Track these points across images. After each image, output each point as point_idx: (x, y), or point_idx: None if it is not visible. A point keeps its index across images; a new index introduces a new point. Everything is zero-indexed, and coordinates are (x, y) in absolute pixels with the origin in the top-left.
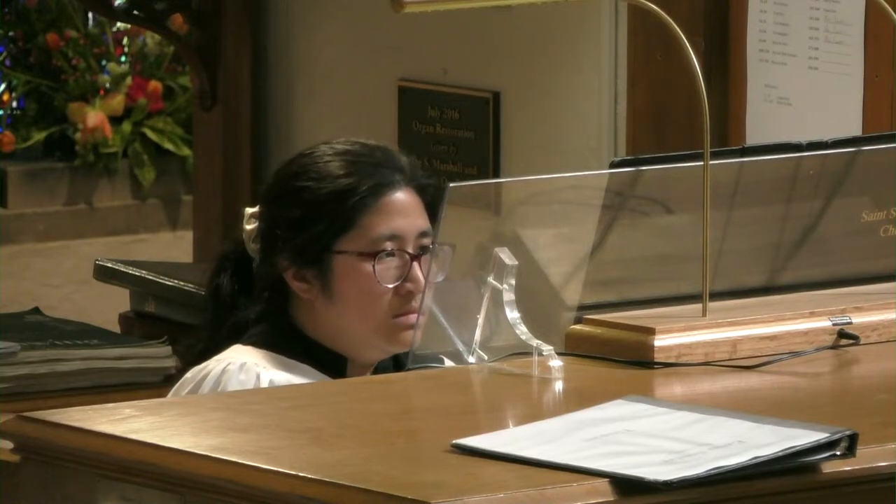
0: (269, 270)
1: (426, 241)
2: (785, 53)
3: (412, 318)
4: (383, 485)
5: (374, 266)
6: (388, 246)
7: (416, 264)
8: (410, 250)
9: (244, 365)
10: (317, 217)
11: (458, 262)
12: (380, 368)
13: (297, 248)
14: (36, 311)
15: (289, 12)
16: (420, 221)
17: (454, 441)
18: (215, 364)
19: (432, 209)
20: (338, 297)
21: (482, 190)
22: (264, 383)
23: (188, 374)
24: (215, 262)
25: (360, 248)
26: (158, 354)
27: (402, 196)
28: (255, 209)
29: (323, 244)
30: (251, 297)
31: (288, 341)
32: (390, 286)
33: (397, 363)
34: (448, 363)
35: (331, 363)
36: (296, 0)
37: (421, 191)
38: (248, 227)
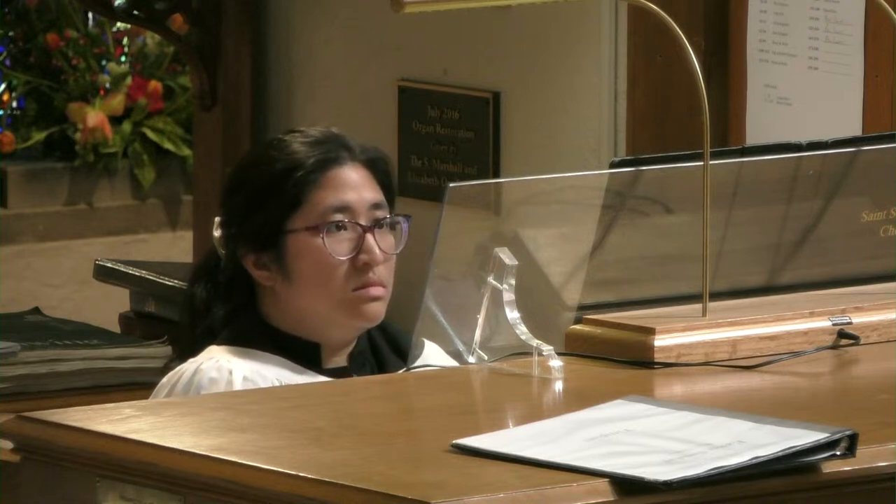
0: (232, 264)
1: (380, 213)
2: (785, 53)
3: (372, 290)
4: (383, 485)
5: (323, 238)
6: (338, 217)
7: (369, 235)
8: (363, 222)
9: (216, 363)
10: (266, 199)
11: (458, 262)
12: (356, 354)
13: (251, 233)
14: (36, 311)
15: (289, 12)
16: (370, 194)
17: (454, 441)
18: (188, 365)
19: (386, 184)
20: (295, 277)
21: (482, 190)
22: (237, 379)
23: (164, 379)
24: (191, 273)
25: (310, 223)
26: (158, 354)
27: (349, 169)
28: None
29: (274, 225)
30: (222, 299)
31: (258, 335)
32: (343, 258)
33: (374, 347)
34: (429, 345)
35: (303, 352)
36: (296, 0)
37: (371, 165)
38: (217, 233)
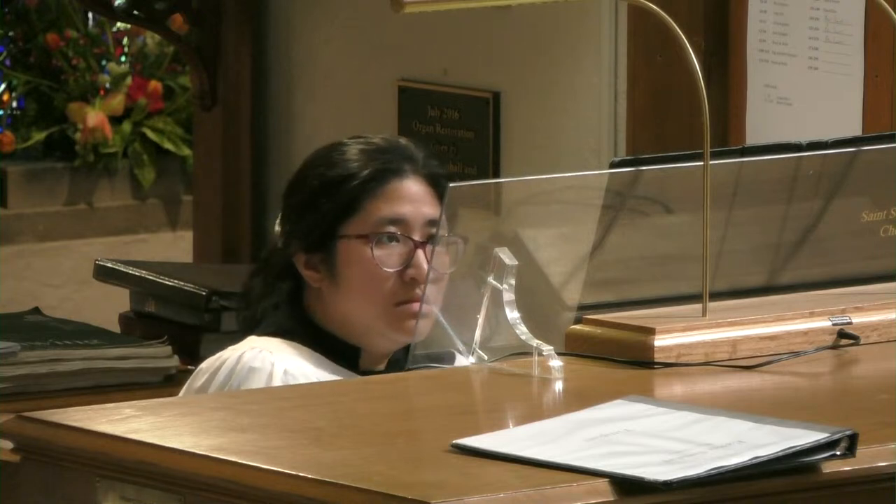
0: (283, 258)
1: (435, 229)
2: (785, 53)
3: (415, 306)
4: (383, 485)
5: (372, 249)
6: (391, 230)
7: (420, 251)
8: (416, 237)
9: (259, 353)
10: (322, 200)
11: (457, 261)
12: (392, 361)
13: (304, 232)
14: (36, 311)
15: (289, 12)
16: (428, 210)
17: (454, 441)
18: (230, 353)
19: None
20: (342, 282)
21: (482, 190)
22: (278, 372)
23: (203, 365)
24: (255, 265)
25: (362, 232)
26: (158, 354)
27: (409, 183)
28: None
29: (327, 228)
30: (269, 292)
31: (301, 329)
32: (391, 271)
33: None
34: (460, 359)
35: (343, 354)
36: (296, 0)
37: (433, 181)
38: (278, 228)
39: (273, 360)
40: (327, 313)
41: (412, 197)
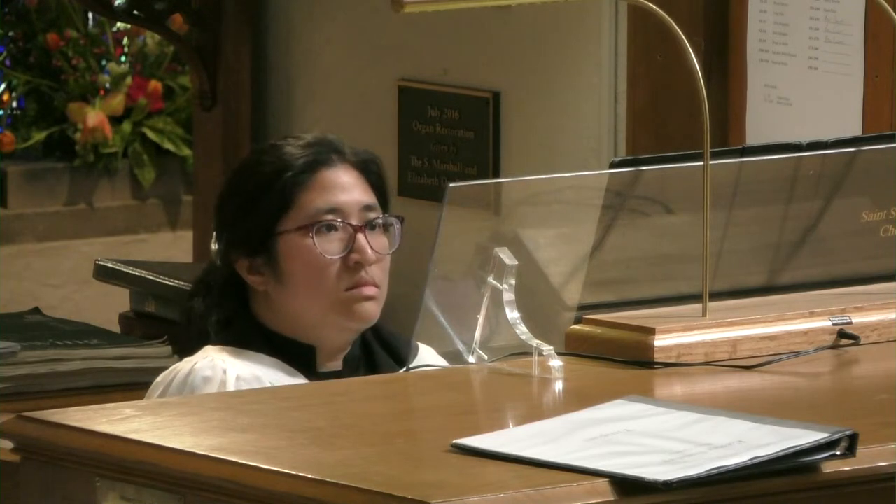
0: (225, 270)
1: (372, 214)
2: (785, 53)
3: (365, 289)
4: (383, 485)
5: (313, 238)
6: (328, 217)
7: (360, 235)
8: (354, 222)
9: (210, 362)
10: (256, 202)
11: (458, 262)
12: (348, 359)
13: (243, 237)
14: (36, 311)
15: (289, 12)
16: (361, 196)
17: (454, 441)
18: (183, 364)
19: (379, 186)
20: (287, 279)
21: (482, 190)
22: (231, 378)
23: (158, 378)
24: (192, 286)
25: (299, 224)
26: (158, 354)
27: (339, 171)
28: None
29: (265, 227)
30: (216, 307)
31: (252, 337)
32: (334, 257)
33: (368, 351)
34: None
35: (298, 354)
36: (296, 0)
37: (363, 167)
38: (214, 247)
39: (225, 367)
40: (277, 316)
41: (344, 185)
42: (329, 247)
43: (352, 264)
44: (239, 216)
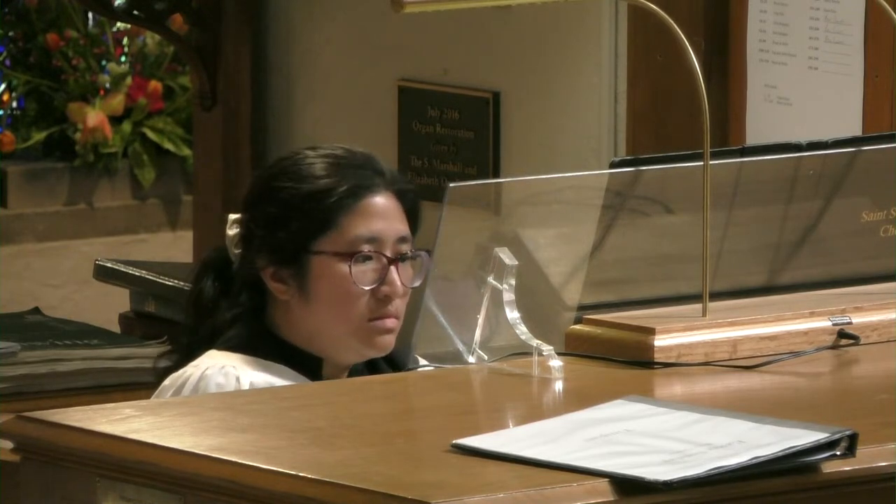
0: (248, 271)
1: (404, 246)
2: (785, 53)
3: (388, 322)
4: (383, 485)
5: (350, 267)
6: (366, 248)
7: (393, 268)
8: (388, 254)
9: (222, 369)
10: (295, 216)
11: (458, 262)
12: (353, 371)
13: (274, 247)
14: (36, 311)
15: (289, 12)
16: (399, 226)
17: (454, 441)
18: (193, 370)
19: (412, 216)
20: (314, 297)
21: (482, 190)
22: (245, 386)
23: (166, 382)
24: (198, 268)
25: (338, 249)
26: (158, 354)
27: (381, 199)
28: (238, 215)
29: (300, 244)
30: (229, 301)
31: (263, 343)
32: (367, 288)
33: (371, 366)
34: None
35: (306, 364)
36: (296, 0)
37: (401, 196)
38: (231, 232)
39: (238, 374)
40: (294, 327)
41: (385, 213)
42: (363, 277)
43: (381, 296)
44: (274, 224)
